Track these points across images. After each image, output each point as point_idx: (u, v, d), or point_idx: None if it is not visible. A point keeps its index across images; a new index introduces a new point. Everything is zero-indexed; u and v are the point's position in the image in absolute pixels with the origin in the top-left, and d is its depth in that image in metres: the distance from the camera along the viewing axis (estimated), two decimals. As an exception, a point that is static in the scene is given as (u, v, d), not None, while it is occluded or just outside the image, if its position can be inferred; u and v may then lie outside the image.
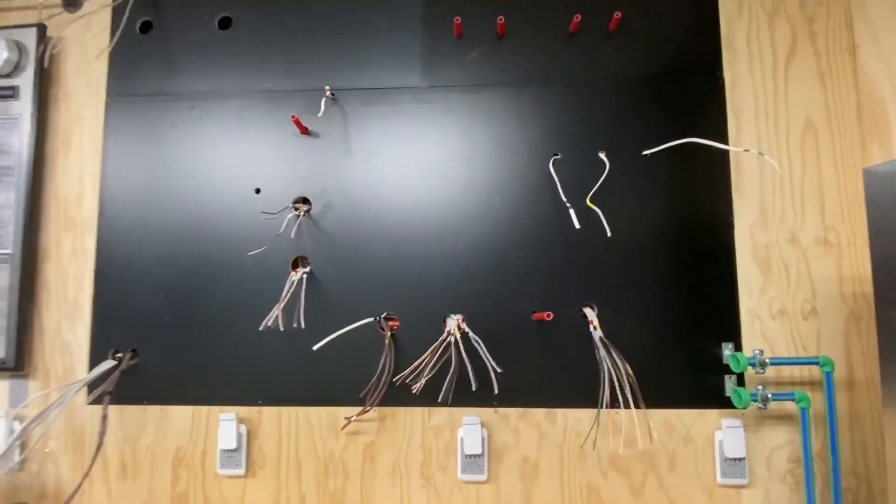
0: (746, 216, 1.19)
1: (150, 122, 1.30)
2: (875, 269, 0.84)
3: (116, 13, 1.33)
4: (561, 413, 1.17)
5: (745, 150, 1.17)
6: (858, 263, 1.16)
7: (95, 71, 1.34)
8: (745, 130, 1.21)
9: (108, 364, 1.21)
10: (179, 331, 1.23)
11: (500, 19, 1.21)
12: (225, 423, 1.18)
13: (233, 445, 1.17)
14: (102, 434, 1.14)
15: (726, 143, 1.18)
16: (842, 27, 1.23)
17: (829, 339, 1.16)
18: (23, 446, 1.23)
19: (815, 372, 1.15)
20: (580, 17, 1.19)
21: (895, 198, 0.80)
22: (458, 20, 1.21)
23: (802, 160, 1.20)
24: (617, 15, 1.19)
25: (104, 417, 1.14)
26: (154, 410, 1.23)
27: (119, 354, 1.24)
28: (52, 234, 1.31)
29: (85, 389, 1.21)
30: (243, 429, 1.20)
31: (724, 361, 1.15)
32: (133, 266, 1.26)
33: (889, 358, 0.82)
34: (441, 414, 1.19)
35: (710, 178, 1.19)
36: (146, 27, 1.34)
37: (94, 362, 1.24)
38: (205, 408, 1.22)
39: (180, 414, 1.23)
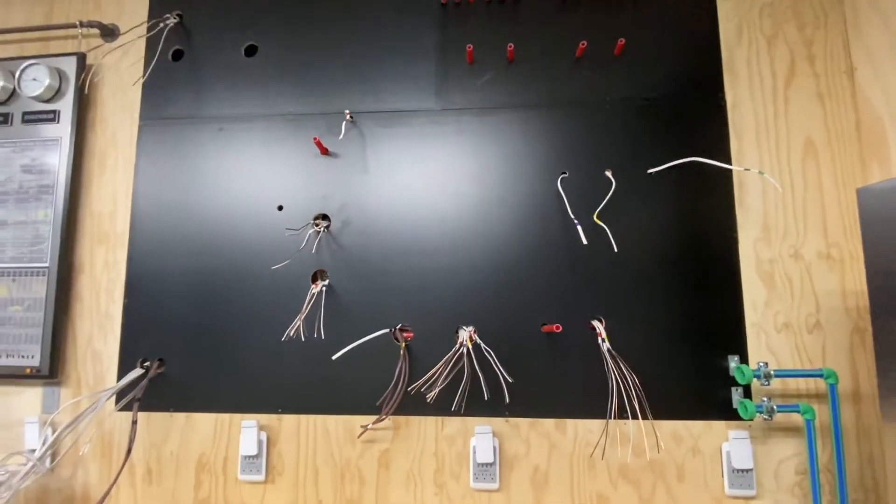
0: (750, 232, 1.23)
1: (180, 144, 1.39)
2: (871, 284, 0.87)
3: (150, 43, 1.43)
4: (571, 423, 1.21)
5: (747, 170, 1.21)
6: (861, 278, 1.19)
7: (130, 96, 1.43)
8: (746, 149, 1.25)
9: (136, 372, 1.28)
10: (204, 341, 1.29)
11: (510, 46, 1.28)
12: (246, 430, 1.23)
13: (253, 452, 1.22)
14: (132, 440, 1.19)
15: (729, 161, 1.23)
16: (839, 50, 1.28)
17: (834, 353, 1.19)
18: (55, 451, 1.29)
19: (820, 384, 1.17)
20: (586, 44, 1.26)
21: (888, 215, 0.84)
22: (470, 47, 1.28)
23: (804, 178, 1.24)
24: (621, 41, 1.25)
25: (134, 423, 1.20)
26: (179, 417, 1.29)
27: (147, 363, 1.30)
28: (87, 248, 1.39)
29: (114, 397, 1.27)
30: (263, 436, 1.25)
31: (731, 373, 1.17)
32: (161, 278, 1.33)
33: (887, 371, 0.85)
34: (454, 423, 1.23)
35: (714, 194, 1.24)
36: (178, 55, 1.43)
37: (122, 371, 1.30)
38: (227, 415, 1.27)
39: (204, 421, 1.28)
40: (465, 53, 1.31)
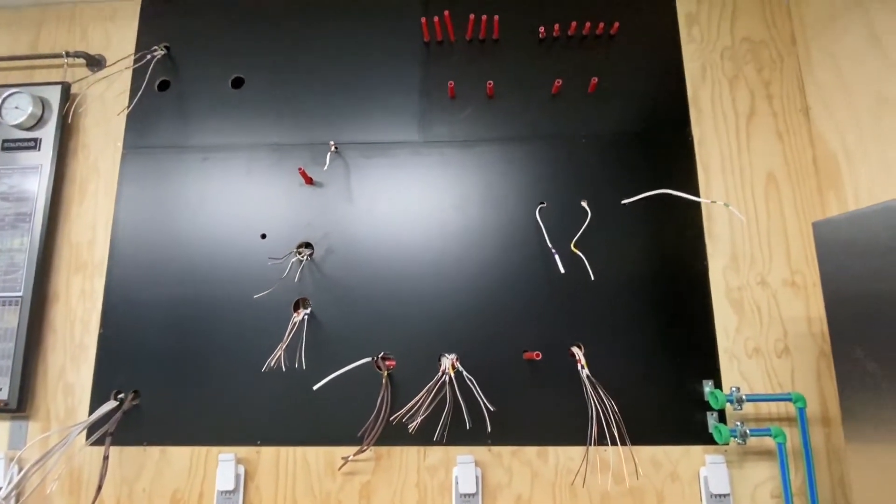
0: (719, 260, 1.28)
1: (163, 172, 1.39)
2: (829, 311, 0.92)
3: (137, 73, 1.45)
4: (552, 450, 1.21)
5: (713, 202, 1.28)
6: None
7: (114, 124, 1.44)
8: (713, 182, 1.32)
9: (110, 405, 1.24)
10: (182, 372, 1.27)
11: (490, 83, 1.34)
12: (223, 464, 1.20)
13: (230, 486, 1.19)
14: (103, 476, 1.15)
15: (697, 194, 1.29)
16: (795, 90, 1.37)
17: (802, 376, 1.23)
18: (20, 491, 1.23)
19: (790, 408, 1.21)
20: (561, 82, 1.33)
21: (842, 247, 0.90)
22: (451, 83, 1.34)
23: (767, 209, 1.31)
24: (594, 80, 1.33)
25: (105, 458, 1.16)
26: (153, 451, 1.25)
27: (121, 395, 1.27)
28: (63, 276, 1.36)
29: (85, 431, 1.23)
30: (241, 469, 1.22)
31: (706, 398, 1.20)
32: (139, 308, 1.31)
33: (848, 394, 0.89)
34: (436, 453, 1.22)
35: (684, 225, 1.29)
36: (164, 86, 1.45)
37: (95, 403, 1.27)
38: (204, 448, 1.24)
39: (179, 455, 1.25)
40: (446, 89, 1.36)
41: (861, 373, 0.88)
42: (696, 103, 1.37)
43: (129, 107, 1.42)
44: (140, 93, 1.41)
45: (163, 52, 1.45)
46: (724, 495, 1.16)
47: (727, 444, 1.16)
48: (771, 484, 1.19)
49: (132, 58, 1.45)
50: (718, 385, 1.22)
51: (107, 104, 1.46)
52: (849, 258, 0.89)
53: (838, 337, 0.90)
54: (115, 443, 1.22)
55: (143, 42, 1.47)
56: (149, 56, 1.43)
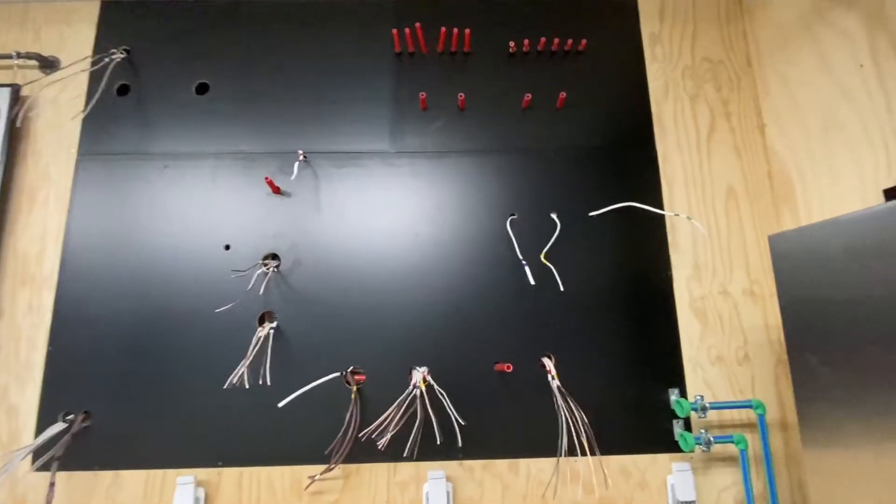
0: (683, 271, 1.32)
1: (121, 180, 1.33)
2: (785, 320, 0.96)
3: (94, 77, 1.39)
4: (524, 463, 1.21)
5: (676, 215, 1.32)
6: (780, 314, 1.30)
7: (68, 130, 1.37)
8: (676, 196, 1.36)
9: (57, 427, 1.16)
10: (138, 391, 1.21)
11: (461, 95, 1.35)
12: (182, 487, 1.14)
13: (189, 511, 1.13)
14: (47, 504, 1.07)
15: (661, 207, 1.33)
16: (751, 109, 1.44)
17: (762, 383, 1.28)
18: (-48, 522, 1.13)
19: (752, 414, 1.25)
20: (531, 96, 1.35)
21: (796, 259, 0.94)
22: (423, 95, 1.34)
23: (727, 222, 1.36)
24: (563, 95, 1.36)
25: (51, 485, 1.09)
26: (105, 476, 1.18)
27: (70, 416, 1.19)
28: (8, 290, 1.28)
29: (30, 455, 1.15)
30: (201, 492, 1.16)
31: (672, 407, 1.23)
32: (92, 323, 1.24)
33: (804, 400, 0.93)
34: (406, 469, 1.20)
35: (650, 237, 1.33)
36: (123, 90, 1.39)
37: (42, 426, 1.19)
38: (160, 471, 1.18)
39: (133, 479, 1.18)
40: (418, 100, 1.36)
41: (815, 379, 0.92)
42: (660, 120, 1.42)
43: (85, 111, 1.36)
44: (97, 96, 1.34)
45: (122, 56, 1.39)
46: (691, 502, 1.18)
47: (692, 451, 1.18)
48: (734, 489, 1.22)
49: (89, 60, 1.39)
50: (683, 393, 1.25)
51: (60, 108, 1.39)
52: (802, 269, 0.93)
53: (793, 344, 0.94)
54: (63, 468, 1.15)
55: (102, 45, 1.42)
56: (107, 59, 1.37)
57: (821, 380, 0.91)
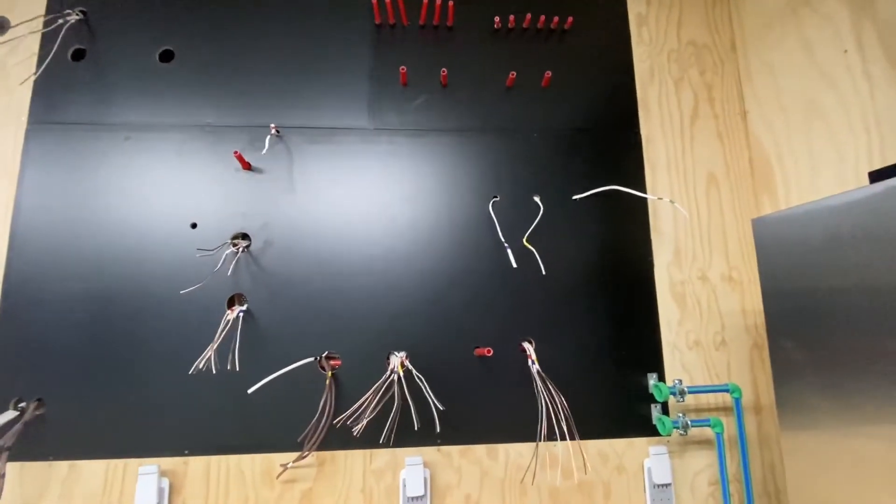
0: (664, 256, 1.32)
1: (76, 152, 1.24)
2: (766, 305, 0.96)
3: (47, 40, 1.28)
4: (502, 448, 1.19)
5: (659, 199, 1.31)
6: (757, 299, 1.32)
7: (17, 96, 1.26)
8: (659, 180, 1.35)
9: (8, 415, 1.09)
10: (96, 376, 1.13)
11: (444, 71, 1.29)
12: (144, 478, 1.09)
13: (152, 503, 1.07)
14: (-6, 497, 1.00)
15: (644, 191, 1.32)
16: (734, 95, 1.43)
17: (737, 368, 1.29)
18: None
19: (727, 398, 1.26)
20: (515, 74, 1.31)
21: (779, 243, 0.94)
22: (403, 69, 1.28)
23: (708, 207, 1.36)
24: (548, 74, 1.32)
25: (1, 477, 1.01)
26: (61, 467, 1.11)
27: (22, 404, 1.11)
28: (-51, 269, 1.18)
29: (-24, 446, 1.07)
30: (165, 483, 1.11)
31: (650, 391, 1.23)
32: (45, 305, 1.16)
33: (782, 384, 0.93)
34: (383, 455, 1.17)
35: (632, 221, 1.32)
36: (79, 55, 1.29)
37: (-11, 414, 1.10)
38: (121, 461, 1.12)
39: (91, 469, 1.11)
40: (398, 75, 1.30)
41: (791, 363, 0.92)
42: (645, 103, 1.40)
43: (35, 73, 1.25)
44: (48, 60, 1.24)
45: (78, 17, 1.29)
46: (667, 485, 1.18)
47: (670, 435, 1.18)
48: (708, 472, 1.23)
49: (41, 20, 1.28)
50: (662, 377, 1.25)
51: (8, 72, 1.28)
52: (784, 254, 0.92)
53: (774, 329, 0.94)
54: (14, 458, 1.07)
55: (55, 5, 1.30)
56: (60, 20, 1.27)
57: (798, 364, 0.91)
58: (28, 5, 1.32)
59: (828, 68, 1.16)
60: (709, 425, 1.19)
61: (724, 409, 1.26)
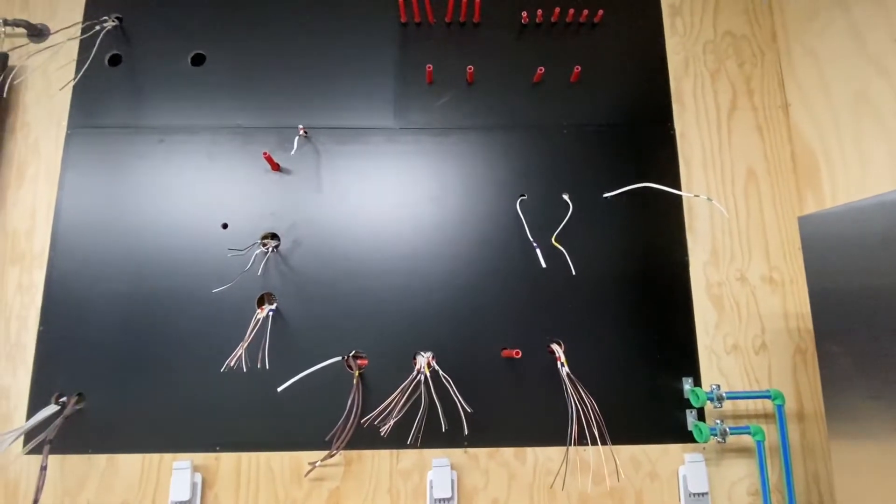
0: (699, 255, 1.26)
1: (113, 155, 1.27)
2: (814, 306, 0.90)
3: (85, 46, 1.32)
4: (531, 451, 1.17)
5: (696, 196, 1.26)
6: (800, 301, 1.25)
7: (57, 101, 1.31)
8: (694, 177, 1.30)
9: (50, 409, 1.13)
10: (133, 373, 1.17)
11: (470, 68, 1.28)
12: (178, 472, 1.11)
13: (186, 497, 1.10)
14: (39, 489, 1.04)
15: (679, 188, 1.27)
16: (775, 86, 1.37)
17: (779, 373, 1.23)
18: (-57, 505, 1.11)
19: (768, 405, 1.20)
20: (543, 70, 1.28)
21: (827, 242, 0.88)
22: (429, 67, 1.27)
23: (747, 205, 1.30)
24: (577, 68, 1.28)
25: (43, 469, 1.05)
26: (99, 460, 1.14)
27: (63, 399, 1.15)
28: (-3, 268, 1.23)
29: (21, 438, 1.12)
30: (198, 477, 1.13)
31: (685, 396, 1.18)
32: (85, 303, 1.20)
33: (831, 390, 0.88)
34: (410, 456, 1.16)
35: (666, 219, 1.27)
36: (115, 60, 1.33)
37: (34, 408, 1.15)
38: (156, 455, 1.15)
39: (128, 463, 1.14)
40: (424, 73, 1.29)
41: (841, 369, 0.87)
42: (679, 96, 1.35)
43: (74, 79, 1.29)
44: (87, 66, 1.28)
45: (114, 24, 1.32)
46: (703, 494, 1.14)
47: (707, 442, 1.14)
48: (747, 481, 1.18)
49: (80, 27, 1.32)
50: (697, 382, 1.20)
51: (50, 78, 1.33)
52: (834, 254, 0.87)
53: (821, 333, 0.89)
54: (56, 451, 1.11)
55: (92, 12, 1.34)
56: (98, 27, 1.31)
57: (849, 370, 0.86)
58: (67, 13, 1.37)
59: (879, 56, 1.09)
60: (748, 433, 1.14)
61: (764, 416, 1.21)
